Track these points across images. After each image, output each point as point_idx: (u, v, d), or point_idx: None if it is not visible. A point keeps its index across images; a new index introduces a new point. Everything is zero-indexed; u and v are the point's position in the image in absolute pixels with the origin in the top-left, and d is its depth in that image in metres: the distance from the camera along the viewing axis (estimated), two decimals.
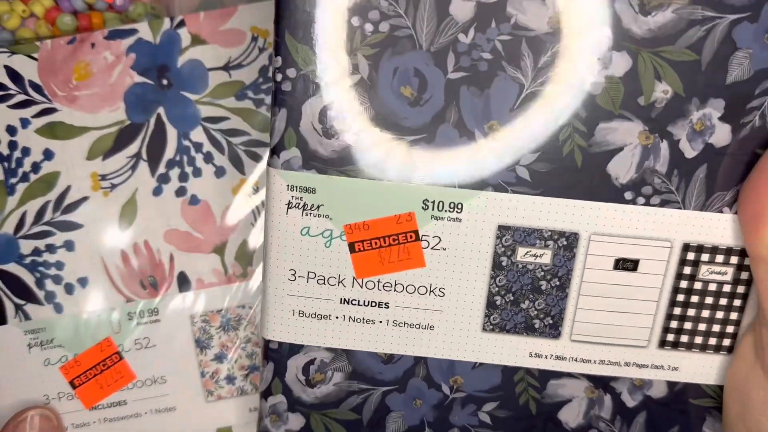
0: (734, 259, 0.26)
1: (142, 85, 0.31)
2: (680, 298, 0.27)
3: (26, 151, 0.31)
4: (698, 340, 0.27)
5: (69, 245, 0.32)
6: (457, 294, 0.27)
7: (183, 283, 0.32)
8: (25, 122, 0.31)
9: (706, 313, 0.27)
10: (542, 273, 0.26)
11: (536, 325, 0.27)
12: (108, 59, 0.31)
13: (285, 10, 0.24)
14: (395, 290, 0.27)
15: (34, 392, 0.33)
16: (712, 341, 0.27)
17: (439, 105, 0.24)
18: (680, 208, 0.25)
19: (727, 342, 0.27)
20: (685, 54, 0.24)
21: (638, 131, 0.24)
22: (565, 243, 0.26)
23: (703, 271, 0.26)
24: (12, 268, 0.32)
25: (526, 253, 0.26)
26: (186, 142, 0.31)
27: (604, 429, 0.28)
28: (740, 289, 0.26)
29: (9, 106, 0.31)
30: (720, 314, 0.27)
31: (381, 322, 0.27)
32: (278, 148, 0.25)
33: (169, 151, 0.32)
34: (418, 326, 0.27)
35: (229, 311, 0.33)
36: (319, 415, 0.28)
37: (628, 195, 0.25)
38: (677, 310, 0.27)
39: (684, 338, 0.27)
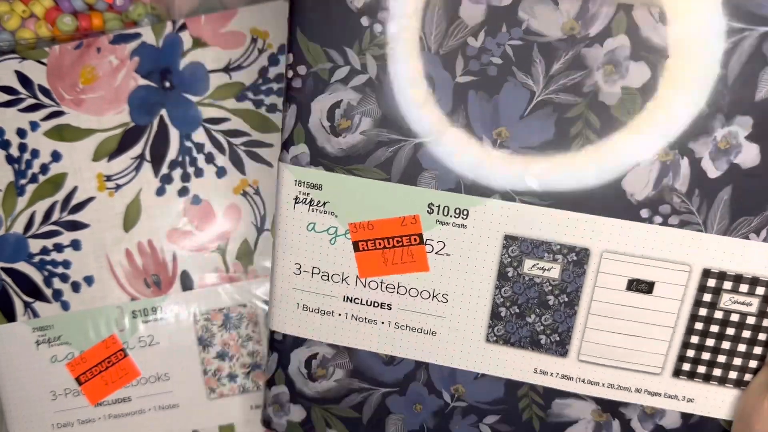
0: (761, 290, 0.24)
1: (145, 88, 0.32)
2: (698, 326, 0.25)
3: (35, 153, 0.32)
4: (717, 372, 0.25)
5: (76, 244, 0.33)
6: (460, 302, 0.26)
7: (186, 281, 0.33)
8: (34, 125, 0.32)
9: (726, 345, 0.25)
10: (550, 287, 0.25)
11: (542, 341, 0.26)
12: (113, 63, 0.32)
13: (298, 7, 0.24)
14: (398, 292, 0.26)
15: (41, 389, 0.33)
16: (733, 375, 0.25)
17: (447, 108, 0.24)
18: (701, 231, 0.24)
19: (749, 377, 0.25)
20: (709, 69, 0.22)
21: (659, 148, 0.23)
22: (575, 258, 0.25)
23: (725, 299, 0.24)
24: (21, 266, 0.33)
25: (533, 266, 0.25)
26: (188, 143, 0.32)
27: None
28: (766, 322, 0.24)
29: (19, 110, 0.32)
30: (742, 347, 0.25)
31: (383, 322, 0.27)
32: (288, 143, 0.25)
33: (172, 152, 0.32)
34: (420, 330, 0.27)
35: (230, 310, 0.33)
36: (321, 409, 0.28)
37: (644, 213, 0.24)
38: (695, 339, 0.25)
39: (701, 369, 0.25)
